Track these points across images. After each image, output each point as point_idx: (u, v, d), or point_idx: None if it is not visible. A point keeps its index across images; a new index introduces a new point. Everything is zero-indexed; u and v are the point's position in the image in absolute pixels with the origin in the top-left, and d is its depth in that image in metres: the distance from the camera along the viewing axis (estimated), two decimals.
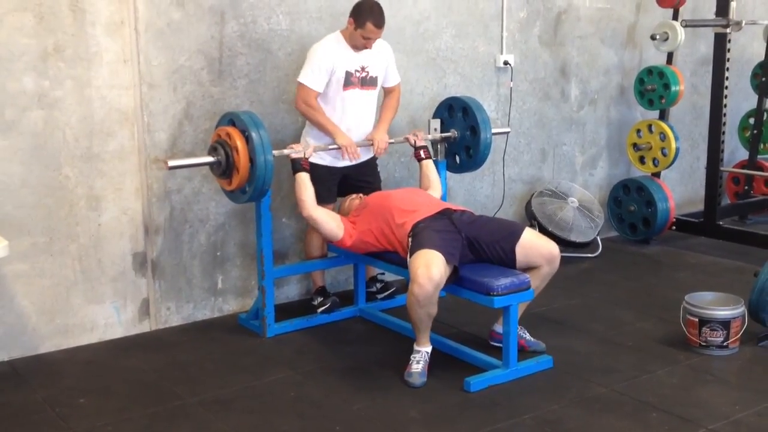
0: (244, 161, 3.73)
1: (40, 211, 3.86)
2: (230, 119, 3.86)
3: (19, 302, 3.88)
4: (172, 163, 3.80)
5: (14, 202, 3.79)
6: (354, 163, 4.29)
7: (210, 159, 3.84)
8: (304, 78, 4.10)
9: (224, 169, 3.81)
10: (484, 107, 4.52)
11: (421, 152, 4.36)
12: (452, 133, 4.52)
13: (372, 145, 4.26)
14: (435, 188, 4.27)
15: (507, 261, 3.66)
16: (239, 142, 3.73)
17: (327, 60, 4.07)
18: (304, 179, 3.97)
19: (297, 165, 4.00)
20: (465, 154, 4.55)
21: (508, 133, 5.13)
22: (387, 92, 4.41)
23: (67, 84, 3.84)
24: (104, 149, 3.98)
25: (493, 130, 4.52)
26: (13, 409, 3.38)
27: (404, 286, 4.44)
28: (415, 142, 4.36)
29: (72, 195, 3.93)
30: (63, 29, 3.80)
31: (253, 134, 3.73)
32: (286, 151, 4.00)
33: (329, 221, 3.96)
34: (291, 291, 4.70)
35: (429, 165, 4.35)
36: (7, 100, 3.71)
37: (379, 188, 4.41)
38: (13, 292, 3.86)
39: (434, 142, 4.53)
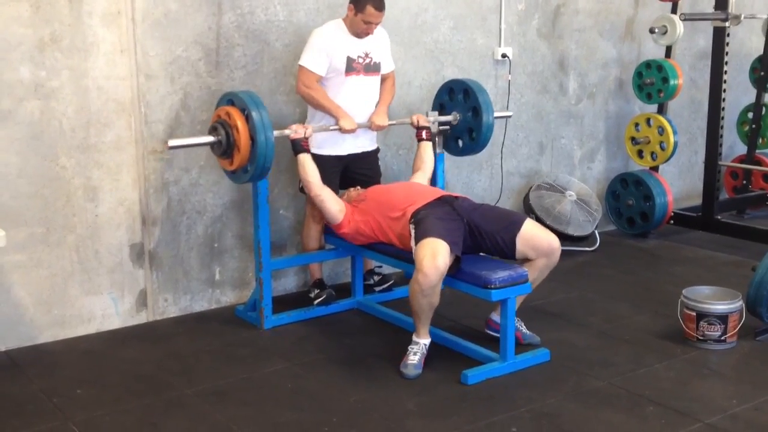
0: (245, 139, 3.68)
1: (37, 201, 3.85)
2: (229, 99, 3.83)
3: (16, 293, 3.87)
4: (172, 143, 3.75)
5: (11, 192, 3.78)
6: (356, 152, 4.28)
7: (210, 139, 3.79)
8: (304, 61, 4.08)
9: (225, 148, 3.76)
10: (486, 89, 4.46)
11: (423, 132, 4.34)
12: (454, 116, 4.46)
13: (371, 127, 4.27)
14: (427, 168, 4.28)
15: (507, 251, 3.66)
16: (239, 121, 3.68)
17: (325, 43, 4.06)
18: (306, 160, 3.97)
19: (298, 146, 3.98)
20: (468, 137, 4.47)
21: (509, 117, 5.06)
22: (382, 78, 4.38)
23: (64, 74, 3.83)
24: (101, 140, 3.97)
25: (496, 114, 4.46)
26: (9, 399, 3.38)
27: (402, 279, 4.45)
28: (417, 121, 4.35)
29: (69, 185, 3.92)
30: (60, 19, 3.78)
31: (253, 113, 3.68)
32: (286, 132, 3.96)
33: (334, 203, 3.98)
34: (289, 283, 4.69)
35: (428, 146, 4.35)
36: (3, 90, 3.70)
37: (378, 182, 4.41)
38: (10, 282, 3.85)
39: (433, 134, 4.52)
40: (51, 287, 3.95)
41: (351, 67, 4.14)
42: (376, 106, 4.32)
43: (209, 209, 4.35)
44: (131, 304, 4.19)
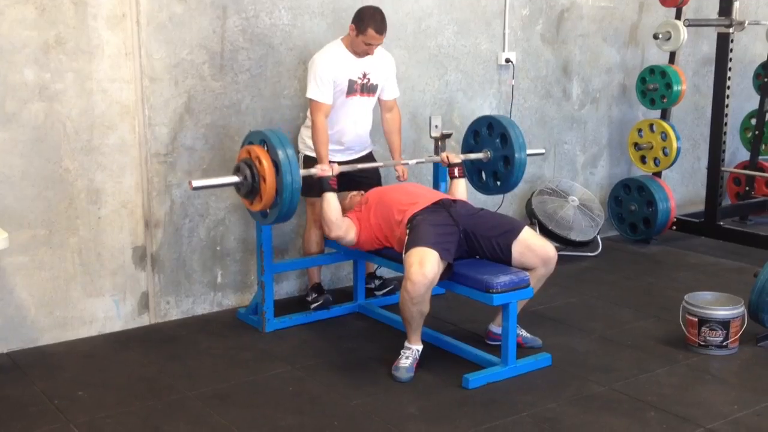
0: (270, 170, 3.55)
1: (40, 203, 3.86)
2: (251, 141, 3.72)
3: (19, 294, 3.88)
4: (196, 183, 3.64)
5: (14, 194, 3.79)
6: (351, 158, 4.30)
7: (235, 179, 3.68)
8: (312, 94, 4.08)
9: (250, 186, 3.64)
10: (516, 124, 4.36)
11: (455, 170, 4.19)
12: (485, 153, 4.33)
13: (398, 174, 4.44)
14: None
15: (503, 257, 3.66)
16: (261, 155, 3.56)
17: (328, 71, 4.08)
18: (333, 199, 3.87)
19: (326, 185, 3.86)
20: (503, 168, 4.31)
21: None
22: (386, 107, 4.39)
23: (68, 77, 3.84)
24: (105, 142, 3.98)
25: (528, 151, 4.29)
26: (11, 401, 3.38)
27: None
28: (447, 158, 4.21)
29: (72, 188, 3.93)
30: (64, 22, 3.79)
31: (279, 152, 3.54)
32: (312, 171, 3.86)
33: (349, 232, 3.92)
34: (290, 286, 4.70)
35: (460, 183, 4.17)
36: (8, 92, 3.71)
37: (378, 184, 4.42)
38: (13, 284, 3.86)
39: (437, 139, 4.52)
40: (53, 289, 3.96)
41: (352, 89, 4.18)
42: (391, 153, 4.45)
43: (212, 212, 4.36)
44: (133, 306, 4.19)
